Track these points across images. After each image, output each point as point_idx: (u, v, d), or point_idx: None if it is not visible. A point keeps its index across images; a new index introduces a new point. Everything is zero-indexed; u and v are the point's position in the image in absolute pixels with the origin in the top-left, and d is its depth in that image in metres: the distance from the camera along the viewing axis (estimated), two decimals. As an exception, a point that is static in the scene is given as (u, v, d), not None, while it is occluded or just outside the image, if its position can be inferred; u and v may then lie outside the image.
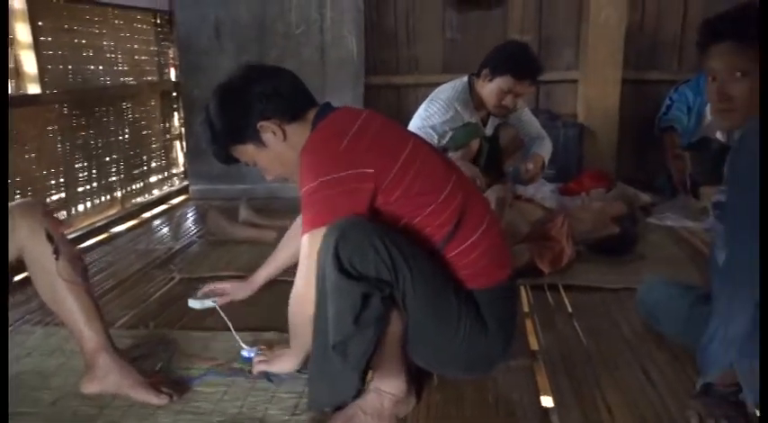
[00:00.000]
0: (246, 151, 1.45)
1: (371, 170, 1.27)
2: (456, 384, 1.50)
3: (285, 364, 1.49)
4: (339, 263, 1.20)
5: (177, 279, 2.33)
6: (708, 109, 3.46)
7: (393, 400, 1.35)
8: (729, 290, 1.23)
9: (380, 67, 3.90)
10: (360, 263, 1.20)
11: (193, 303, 1.73)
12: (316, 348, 1.32)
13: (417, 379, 1.47)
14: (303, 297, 1.32)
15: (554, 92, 3.90)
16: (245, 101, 1.39)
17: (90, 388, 1.47)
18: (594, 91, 3.70)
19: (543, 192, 2.91)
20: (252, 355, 1.59)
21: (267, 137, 1.41)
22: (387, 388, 1.34)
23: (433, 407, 1.43)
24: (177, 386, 1.49)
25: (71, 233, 2.78)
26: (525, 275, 2.18)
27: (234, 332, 1.67)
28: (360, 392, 1.35)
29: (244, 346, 1.64)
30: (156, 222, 3.25)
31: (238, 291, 1.74)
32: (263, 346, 1.63)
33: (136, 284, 2.30)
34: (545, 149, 2.97)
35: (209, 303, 1.72)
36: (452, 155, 2.73)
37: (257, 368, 1.53)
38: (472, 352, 1.37)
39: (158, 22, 3.61)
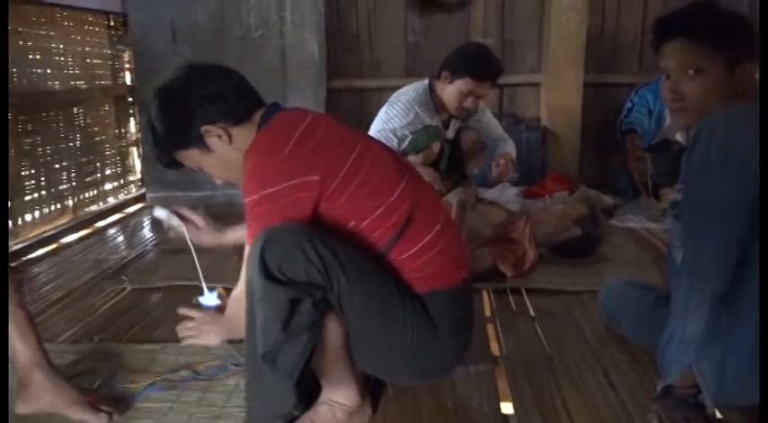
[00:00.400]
0: (191, 156, 1.40)
1: (316, 177, 1.22)
2: (414, 392, 1.45)
3: (209, 337, 1.54)
4: (266, 268, 1.14)
5: (129, 290, 2.23)
6: (667, 112, 3.51)
7: (346, 411, 1.29)
8: (685, 289, 1.21)
9: (343, 70, 3.85)
10: (288, 268, 1.14)
11: (160, 213, 1.68)
12: (248, 361, 1.27)
13: (373, 388, 1.42)
14: (240, 302, 1.29)
15: (517, 95, 3.89)
16: (188, 104, 1.33)
17: (24, 408, 1.37)
18: (557, 94, 3.71)
19: (507, 195, 2.89)
20: (209, 303, 1.65)
21: (212, 141, 1.35)
22: (338, 398, 1.28)
23: (390, 415, 1.37)
24: (118, 403, 1.41)
25: (16, 244, 2.65)
26: (487, 279, 2.15)
27: (198, 267, 1.67)
28: (310, 404, 1.29)
29: (205, 286, 1.66)
30: (111, 231, 3.13)
31: (206, 234, 1.73)
32: (222, 291, 1.68)
33: (84, 296, 2.19)
34: (510, 148, 2.96)
35: (175, 221, 1.66)
36: (413, 158, 2.69)
37: (184, 340, 1.58)
38: (423, 357, 1.31)
39: (112, 24, 3.49)
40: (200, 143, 1.35)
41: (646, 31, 3.76)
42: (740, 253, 1.14)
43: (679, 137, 3.53)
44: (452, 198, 2.31)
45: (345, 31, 3.84)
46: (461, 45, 2.77)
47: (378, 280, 1.25)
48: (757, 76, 1.27)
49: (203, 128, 1.34)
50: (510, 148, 2.94)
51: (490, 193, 3.35)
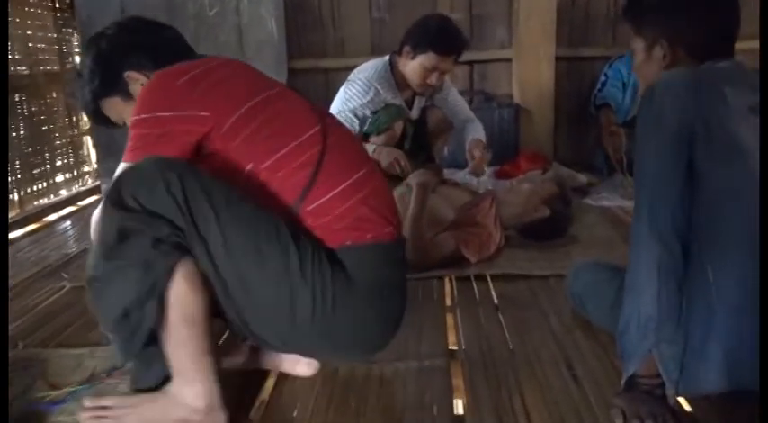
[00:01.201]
0: (114, 105, 1.38)
1: (206, 113, 1.14)
2: (360, 393, 1.32)
3: None
4: (118, 192, 1.02)
5: (67, 288, 2.08)
6: (642, 84, 3.39)
7: (188, 412, 1.09)
8: (633, 263, 1.10)
9: (306, 50, 3.70)
10: (146, 198, 1.01)
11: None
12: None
13: (248, 387, 1.28)
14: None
15: (488, 72, 3.77)
16: (116, 49, 1.33)
17: None
18: (529, 69, 3.58)
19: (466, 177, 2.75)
20: None
21: (135, 88, 1.33)
22: (183, 394, 1.08)
23: (331, 419, 1.24)
24: (33, 416, 1.26)
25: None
26: (450, 266, 2.02)
27: None
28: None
29: None
30: (61, 226, 2.97)
31: None
32: None
33: (18, 296, 2.04)
34: (480, 132, 2.83)
35: None
36: (375, 139, 2.56)
37: None
38: (334, 322, 1.13)
39: (57, 5, 3.29)
40: (124, 90, 1.34)
41: (619, 2, 3.62)
42: (675, 220, 1.07)
43: (655, 111, 3.42)
44: (412, 180, 2.18)
45: (307, 8, 3.68)
46: (423, 17, 2.61)
47: (267, 227, 1.08)
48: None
49: (126, 73, 1.31)
50: (479, 131, 2.82)
51: (460, 175, 3.22)
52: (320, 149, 1.17)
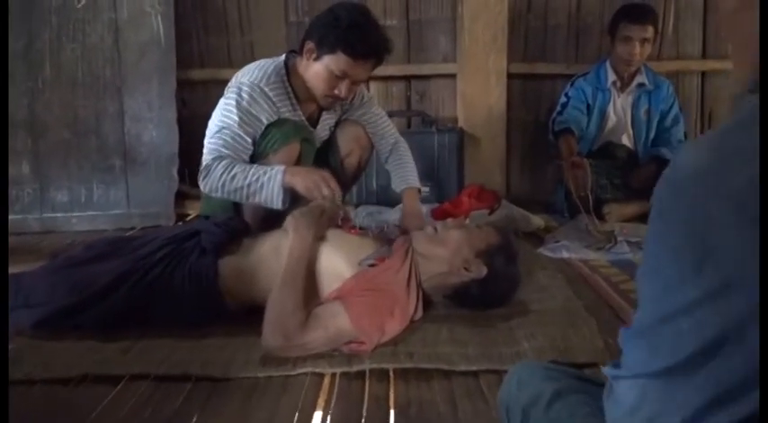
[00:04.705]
0: None
1: None
2: None
3: None
4: None
5: None
6: (611, 107, 2.83)
7: None
8: None
9: (207, 57, 3.06)
10: None
11: None
12: None
13: None
14: None
15: (428, 90, 3.19)
16: None
17: None
18: (476, 87, 3.02)
19: (395, 218, 2.09)
20: None
21: None
22: None
23: None
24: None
25: None
26: (335, 355, 1.34)
27: None
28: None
29: None
30: None
31: None
32: None
33: None
34: (412, 171, 2.20)
35: None
36: (273, 158, 1.91)
37: None
38: None
39: None
40: None
41: (582, 9, 3.10)
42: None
43: (625, 140, 2.86)
44: (288, 224, 1.51)
45: (208, 7, 3.04)
46: (331, 7, 1.95)
47: None
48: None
49: None
50: (410, 167, 2.20)
51: (388, 213, 2.57)
52: None
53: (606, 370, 0.74)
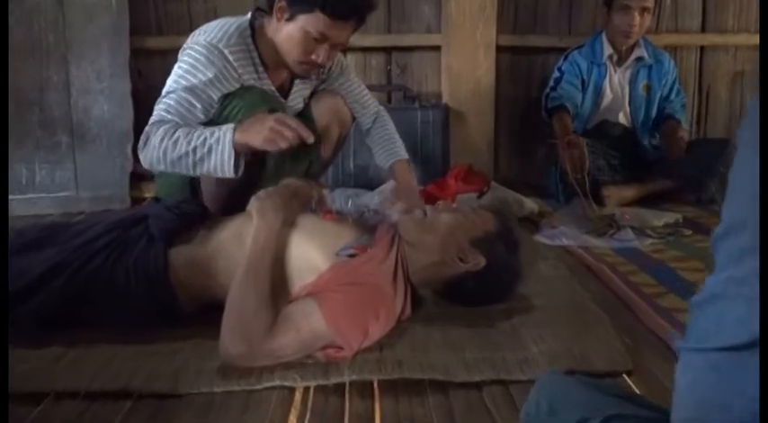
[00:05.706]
0: None
1: None
2: None
3: None
4: None
5: None
6: (606, 83, 2.64)
7: None
8: None
9: (165, 23, 2.79)
10: None
11: None
12: None
13: None
14: None
15: (411, 63, 2.98)
16: None
17: None
18: (462, 60, 2.84)
19: (376, 202, 1.86)
20: None
21: None
22: None
23: None
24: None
25: None
26: (309, 365, 1.13)
27: None
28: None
29: None
30: None
31: None
32: None
33: None
34: (399, 142, 2.01)
35: None
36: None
37: None
38: None
39: None
40: None
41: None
42: None
43: (622, 118, 2.68)
44: (252, 205, 1.28)
45: (166, -32, 2.78)
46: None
47: None
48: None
49: None
50: (396, 143, 2.00)
51: (368, 197, 2.34)
52: None
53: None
